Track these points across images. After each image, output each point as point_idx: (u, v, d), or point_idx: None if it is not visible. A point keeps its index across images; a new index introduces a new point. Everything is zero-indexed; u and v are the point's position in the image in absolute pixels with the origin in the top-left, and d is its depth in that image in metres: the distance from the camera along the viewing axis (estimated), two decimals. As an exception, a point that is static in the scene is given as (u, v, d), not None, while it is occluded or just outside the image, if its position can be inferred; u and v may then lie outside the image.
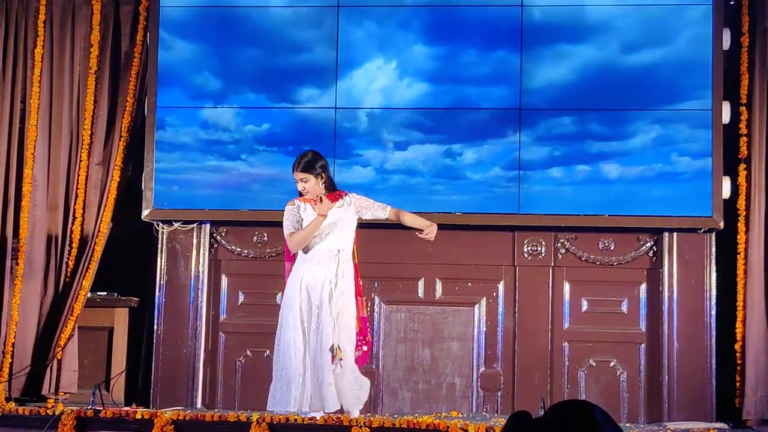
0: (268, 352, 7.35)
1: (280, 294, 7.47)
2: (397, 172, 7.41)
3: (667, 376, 7.17)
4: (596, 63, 7.27)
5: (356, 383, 6.15)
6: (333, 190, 6.21)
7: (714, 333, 7.18)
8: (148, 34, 7.61)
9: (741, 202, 7.16)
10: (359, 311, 6.20)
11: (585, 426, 2.35)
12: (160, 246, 7.57)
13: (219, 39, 7.55)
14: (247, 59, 7.52)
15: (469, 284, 7.44)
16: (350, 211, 6.20)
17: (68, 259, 7.55)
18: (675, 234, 7.23)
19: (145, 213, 7.48)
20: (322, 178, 6.15)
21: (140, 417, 6.02)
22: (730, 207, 7.15)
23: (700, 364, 7.16)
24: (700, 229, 7.19)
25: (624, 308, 7.35)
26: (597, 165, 7.25)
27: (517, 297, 7.37)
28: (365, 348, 6.26)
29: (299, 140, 7.41)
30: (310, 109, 7.44)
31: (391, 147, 7.41)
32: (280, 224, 7.43)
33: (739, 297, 7.11)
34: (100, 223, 7.54)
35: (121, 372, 7.35)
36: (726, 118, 7.15)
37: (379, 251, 7.42)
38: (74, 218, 7.57)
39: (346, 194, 6.23)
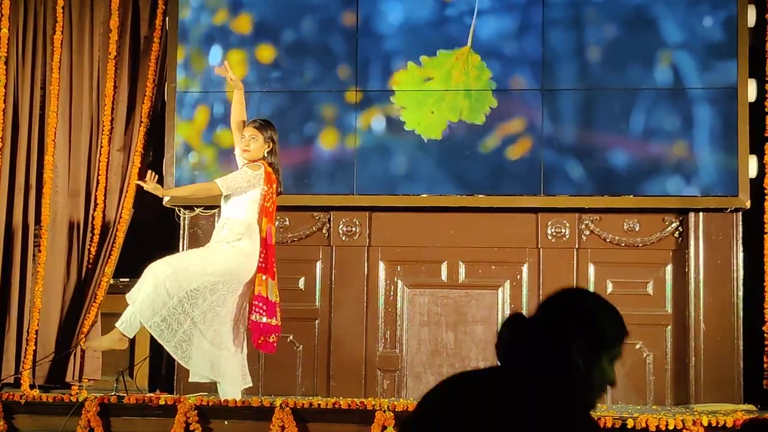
0: (291, 336, 7.34)
1: (303, 278, 7.47)
2: (411, 151, 7.33)
3: (694, 358, 7.09)
4: (618, 41, 7.20)
5: (210, 355, 6.11)
6: (271, 164, 6.20)
7: (741, 314, 7.09)
8: (167, 18, 7.57)
9: (767, 181, 7.07)
10: (256, 286, 6.13)
11: (581, 318, 2.24)
12: (181, 232, 7.55)
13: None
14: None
15: (493, 267, 7.38)
16: None
17: (90, 245, 7.54)
18: (701, 214, 7.14)
19: (166, 199, 7.45)
20: (269, 146, 6.19)
21: (164, 403, 6.02)
22: (756, 186, 7.06)
23: (727, 345, 7.08)
24: (727, 209, 7.10)
25: (650, 290, 7.27)
26: (620, 145, 7.17)
27: (541, 279, 7.31)
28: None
29: (308, 125, 7.39)
30: (335, 92, 7.41)
31: (404, 128, 7.34)
32: (305, 209, 7.41)
33: (767, 277, 7.02)
34: (122, 209, 7.53)
35: (145, 358, 7.34)
36: (752, 95, 7.06)
37: (402, 235, 7.37)
38: (96, 205, 7.56)
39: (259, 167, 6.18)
